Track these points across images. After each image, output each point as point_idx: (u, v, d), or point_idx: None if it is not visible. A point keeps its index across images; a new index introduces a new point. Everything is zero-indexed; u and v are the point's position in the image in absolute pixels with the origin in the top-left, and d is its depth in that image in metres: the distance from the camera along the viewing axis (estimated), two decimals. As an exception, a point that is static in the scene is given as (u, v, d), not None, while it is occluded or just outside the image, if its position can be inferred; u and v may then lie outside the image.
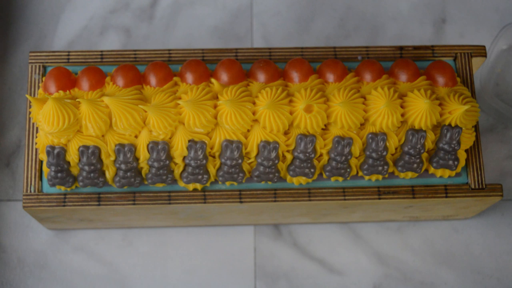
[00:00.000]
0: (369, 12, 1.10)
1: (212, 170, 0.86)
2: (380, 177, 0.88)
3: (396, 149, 0.86)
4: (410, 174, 0.88)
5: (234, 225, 1.00)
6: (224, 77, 0.86)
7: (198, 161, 0.84)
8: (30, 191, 0.87)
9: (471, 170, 0.89)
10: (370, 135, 0.84)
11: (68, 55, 0.90)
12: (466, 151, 0.89)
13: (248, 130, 0.84)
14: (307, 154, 0.84)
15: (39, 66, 0.90)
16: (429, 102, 0.82)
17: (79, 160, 0.83)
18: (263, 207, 0.89)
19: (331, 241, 1.00)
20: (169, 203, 0.87)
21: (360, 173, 0.88)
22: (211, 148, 0.84)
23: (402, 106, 0.84)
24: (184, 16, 1.09)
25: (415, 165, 0.86)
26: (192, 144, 0.83)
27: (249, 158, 0.85)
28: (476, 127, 0.90)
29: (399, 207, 0.92)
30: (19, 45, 1.06)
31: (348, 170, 0.86)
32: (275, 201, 0.87)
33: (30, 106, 0.87)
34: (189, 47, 1.06)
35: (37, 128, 0.88)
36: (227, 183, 0.87)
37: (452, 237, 1.01)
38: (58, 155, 0.83)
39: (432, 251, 1.00)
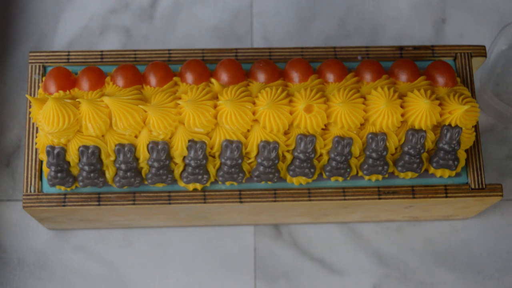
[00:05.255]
0: (369, 12, 1.10)
1: (212, 170, 0.86)
2: (380, 177, 0.88)
3: (396, 149, 0.86)
4: (410, 174, 0.88)
5: (234, 225, 1.00)
6: (224, 77, 0.86)
7: (198, 161, 0.84)
8: (30, 191, 0.87)
9: (471, 170, 0.89)
10: (370, 135, 0.84)
11: (68, 55, 0.90)
12: (466, 151, 0.89)
13: (248, 130, 0.84)
14: (307, 154, 0.84)
15: (39, 66, 0.90)
16: (429, 102, 0.82)
17: (79, 160, 0.83)
18: (263, 207, 0.89)
19: (331, 241, 1.00)
20: (169, 203, 0.87)
21: (360, 173, 0.88)
22: (211, 148, 0.84)
23: (402, 106, 0.84)
24: (184, 16, 1.09)
25: (415, 165, 0.86)
26: (192, 144, 0.83)
27: (249, 158, 0.85)
28: (476, 127, 0.90)
29: (399, 207, 0.92)
30: (19, 45, 1.06)
31: (348, 170, 0.86)
32: (275, 201, 0.87)
33: (30, 106, 0.87)
34: (189, 47, 1.06)
35: (37, 128, 0.88)
36: (227, 183, 0.87)
37: (452, 237, 1.01)
38: (58, 155, 0.83)
39: (432, 251, 1.00)
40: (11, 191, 1.01)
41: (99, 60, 0.90)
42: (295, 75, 0.86)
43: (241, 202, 0.87)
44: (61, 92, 0.84)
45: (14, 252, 0.99)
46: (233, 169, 0.85)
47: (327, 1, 1.10)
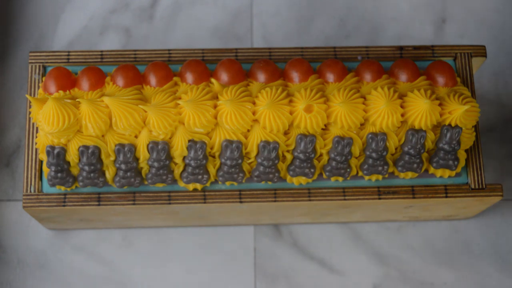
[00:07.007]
0: (369, 12, 1.10)
1: (212, 170, 0.86)
2: (380, 177, 0.88)
3: (396, 149, 0.86)
4: (410, 174, 0.88)
5: (234, 225, 1.00)
6: (224, 77, 0.86)
7: (198, 161, 0.84)
8: (30, 191, 0.87)
9: (471, 170, 0.89)
10: (370, 135, 0.84)
11: (68, 55, 0.90)
12: (466, 151, 0.89)
13: (248, 130, 0.84)
14: (307, 154, 0.84)
15: (39, 66, 0.90)
16: (429, 102, 0.82)
17: (79, 160, 0.83)
18: (263, 207, 0.89)
19: (331, 241, 1.00)
20: (169, 203, 0.87)
21: (360, 173, 0.88)
22: (211, 148, 0.84)
23: (402, 106, 0.84)
24: (184, 16, 1.09)
25: (415, 165, 0.86)
26: (192, 144, 0.83)
27: (249, 158, 0.85)
28: (476, 127, 0.90)
29: (399, 207, 0.92)
30: (19, 45, 1.06)
31: (348, 170, 0.86)
32: (275, 201, 0.87)
33: (30, 106, 0.87)
34: (189, 47, 1.06)
35: (37, 128, 0.88)
36: (227, 183, 0.87)
37: (452, 237, 1.01)
38: (58, 155, 0.83)
39: (432, 251, 1.00)
40: (11, 191, 1.01)
41: (99, 60, 0.90)
42: (295, 75, 0.86)
43: (241, 202, 0.87)
44: (61, 92, 0.84)
45: (14, 252, 0.99)
46: (233, 169, 0.85)
47: (327, 1, 1.10)
